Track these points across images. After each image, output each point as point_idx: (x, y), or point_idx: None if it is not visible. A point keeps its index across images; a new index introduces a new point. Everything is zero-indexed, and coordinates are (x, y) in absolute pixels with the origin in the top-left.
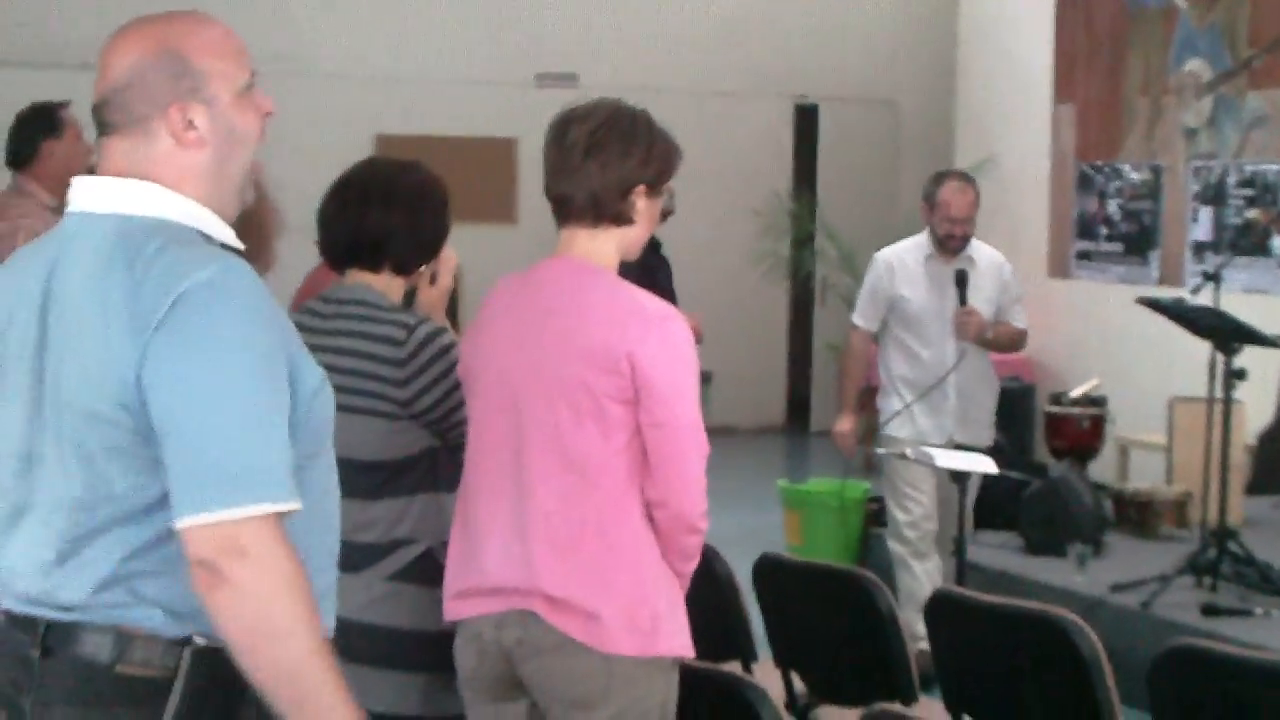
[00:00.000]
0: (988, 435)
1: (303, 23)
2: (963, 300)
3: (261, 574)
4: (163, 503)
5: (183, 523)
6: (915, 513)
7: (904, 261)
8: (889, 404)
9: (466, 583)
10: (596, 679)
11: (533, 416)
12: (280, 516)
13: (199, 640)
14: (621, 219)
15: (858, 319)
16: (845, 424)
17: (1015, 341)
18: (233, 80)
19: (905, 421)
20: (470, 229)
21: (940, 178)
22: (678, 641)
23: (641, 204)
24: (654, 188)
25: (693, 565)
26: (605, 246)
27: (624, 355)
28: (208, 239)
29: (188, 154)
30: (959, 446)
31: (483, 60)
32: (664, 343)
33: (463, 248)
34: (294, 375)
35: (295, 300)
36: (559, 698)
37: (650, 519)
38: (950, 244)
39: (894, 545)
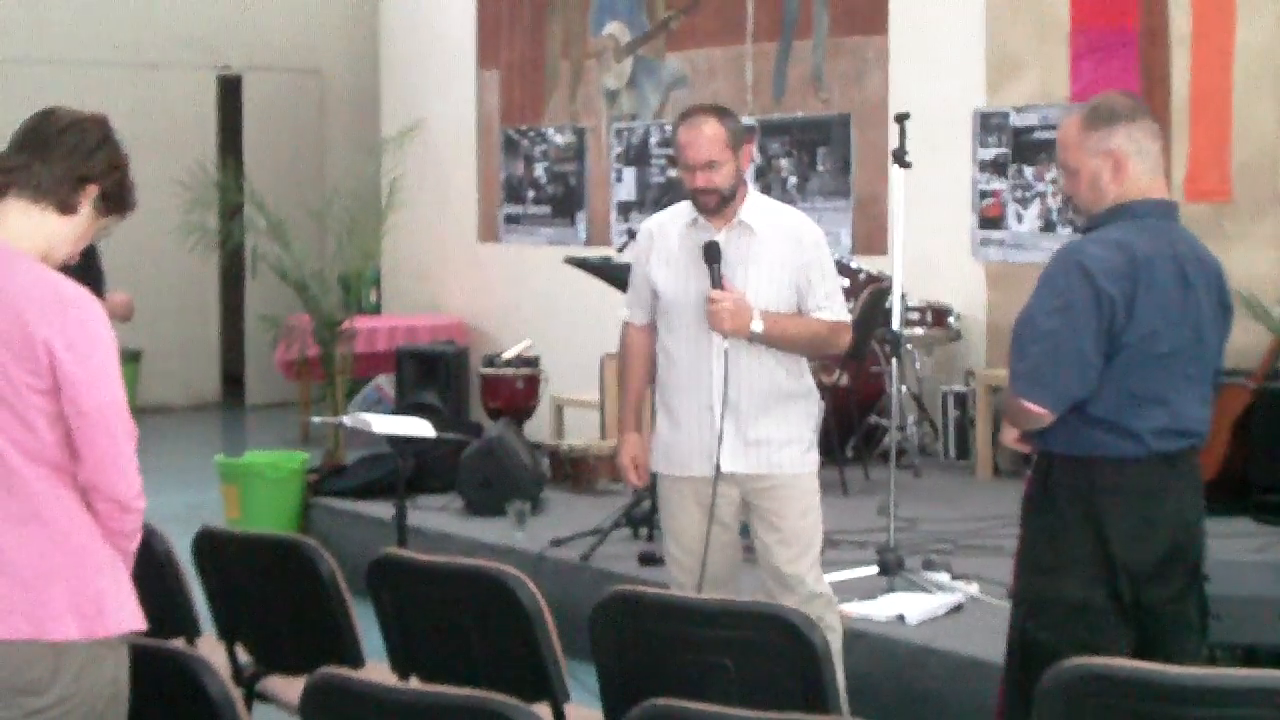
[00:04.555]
0: (798, 461)
1: None
2: (714, 282)
3: None
4: None
5: None
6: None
7: (665, 232)
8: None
9: None
10: (43, 665)
11: None
12: None
13: None
14: (66, 207)
15: (625, 311)
16: (627, 448)
17: (815, 338)
18: None
19: (662, 449)
20: None
21: (681, 116)
22: (124, 617)
23: (87, 205)
24: (105, 200)
25: (135, 543)
26: (37, 229)
27: (41, 345)
28: None
29: None
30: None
31: None
32: (80, 329)
33: None
34: None
35: None
36: (8, 686)
37: (87, 502)
38: (703, 201)
39: None
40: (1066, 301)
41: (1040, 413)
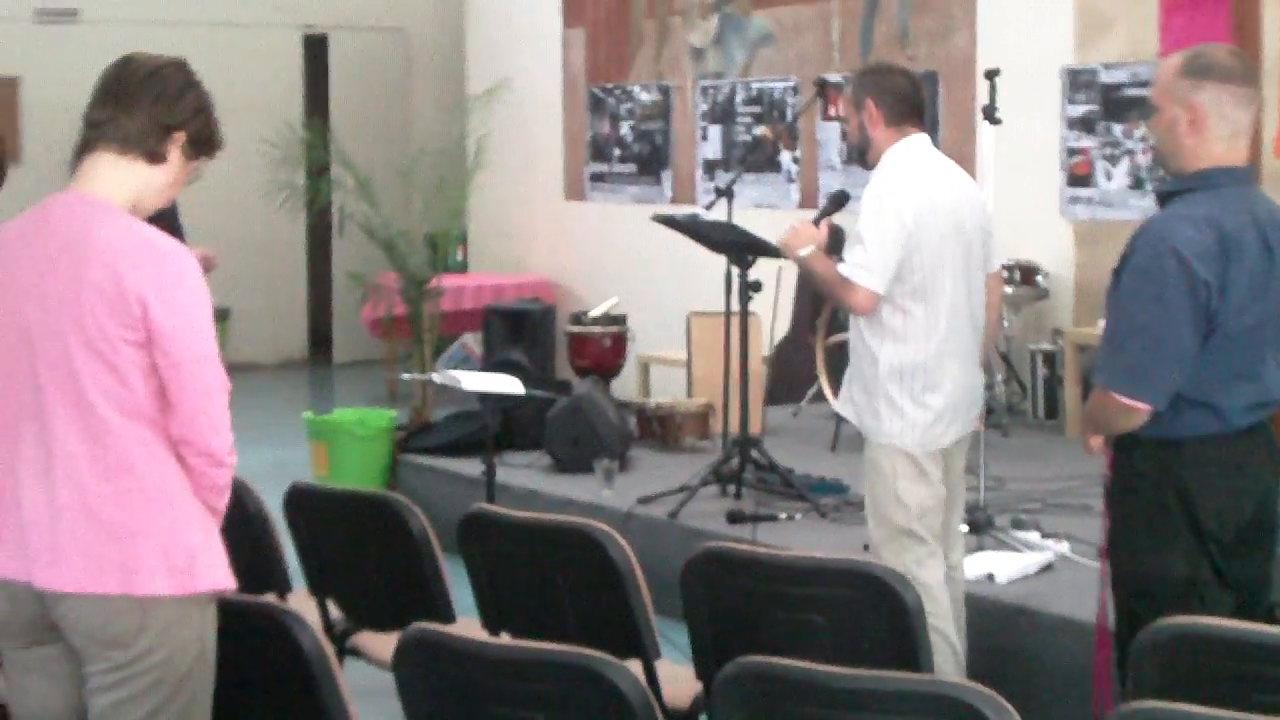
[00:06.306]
0: (867, 427)
1: None
2: (817, 217)
3: None
4: None
5: None
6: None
7: None
8: None
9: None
10: (131, 619)
11: (47, 358)
12: None
13: None
14: (155, 156)
15: None
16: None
17: (828, 285)
18: None
19: None
20: None
21: None
22: (216, 575)
23: (176, 153)
24: (193, 145)
25: (225, 499)
26: (127, 180)
27: (134, 297)
28: None
29: None
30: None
31: None
32: (175, 281)
33: None
34: None
35: None
36: (94, 638)
37: (179, 456)
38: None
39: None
40: (1161, 291)
41: (1142, 409)
